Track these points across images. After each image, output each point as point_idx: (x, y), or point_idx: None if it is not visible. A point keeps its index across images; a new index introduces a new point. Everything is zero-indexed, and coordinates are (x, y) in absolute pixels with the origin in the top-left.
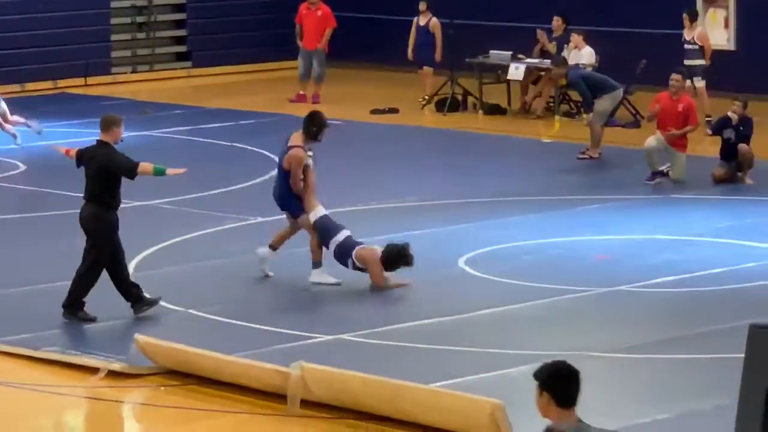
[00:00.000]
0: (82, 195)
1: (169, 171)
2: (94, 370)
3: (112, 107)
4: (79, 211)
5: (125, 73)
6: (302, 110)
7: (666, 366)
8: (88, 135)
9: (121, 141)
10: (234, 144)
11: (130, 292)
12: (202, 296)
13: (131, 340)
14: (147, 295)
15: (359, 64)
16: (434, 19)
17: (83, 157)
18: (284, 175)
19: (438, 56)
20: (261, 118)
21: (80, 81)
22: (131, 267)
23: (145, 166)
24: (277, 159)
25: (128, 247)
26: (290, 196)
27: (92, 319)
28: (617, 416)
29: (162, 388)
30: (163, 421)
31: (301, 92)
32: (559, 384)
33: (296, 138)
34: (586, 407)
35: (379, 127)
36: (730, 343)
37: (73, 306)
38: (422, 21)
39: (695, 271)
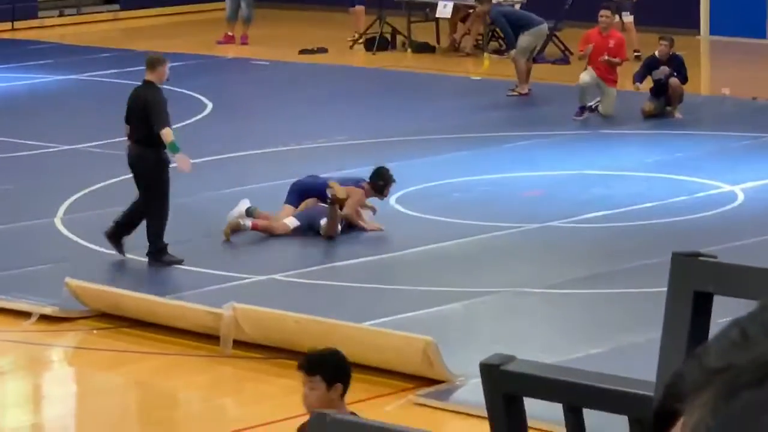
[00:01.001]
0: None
1: (178, 156)
2: (26, 315)
3: (40, 51)
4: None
5: (52, 17)
6: (230, 51)
7: (598, 301)
8: (15, 80)
9: (167, 80)
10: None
11: (120, 233)
12: (133, 239)
13: (62, 283)
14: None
15: (287, 5)
16: None
17: (130, 98)
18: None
19: None
20: (189, 60)
21: (7, 26)
22: (61, 210)
23: (168, 132)
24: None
25: (58, 190)
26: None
27: (179, 261)
28: (551, 352)
29: (94, 331)
30: (96, 364)
31: (229, 33)
32: (348, 373)
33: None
34: (520, 344)
35: (308, 67)
36: (661, 276)
37: (157, 252)
38: None
39: (625, 206)
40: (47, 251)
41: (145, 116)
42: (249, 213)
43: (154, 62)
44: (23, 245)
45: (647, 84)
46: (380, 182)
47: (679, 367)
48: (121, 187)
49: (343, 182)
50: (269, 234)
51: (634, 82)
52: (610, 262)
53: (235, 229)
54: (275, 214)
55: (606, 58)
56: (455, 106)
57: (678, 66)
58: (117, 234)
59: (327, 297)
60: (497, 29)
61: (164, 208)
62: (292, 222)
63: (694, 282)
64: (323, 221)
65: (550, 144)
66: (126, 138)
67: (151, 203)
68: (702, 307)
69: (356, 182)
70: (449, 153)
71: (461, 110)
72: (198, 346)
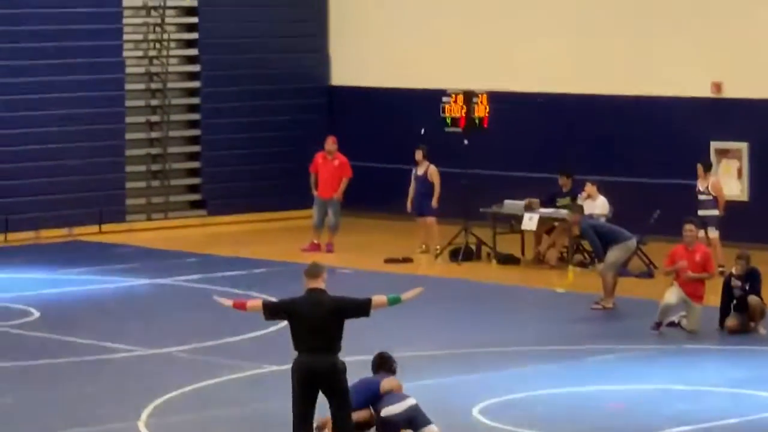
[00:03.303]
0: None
1: (405, 296)
2: None
3: (127, 255)
4: (295, 363)
5: (140, 221)
6: (316, 259)
7: None
8: (102, 283)
9: None
10: (248, 293)
11: None
12: None
13: None
14: None
15: (373, 214)
16: (432, 167)
17: (292, 307)
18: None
19: (435, 203)
20: (274, 266)
21: (95, 229)
22: (144, 414)
23: (378, 299)
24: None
25: (143, 394)
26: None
27: None
28: None
29: None
30: None
31: (315, 241)
32: None
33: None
34: None
35: (393, 277)
36: None
37: None
38: (420, 170)
39: (710, 422)
40: None
41: (332, 323)
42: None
43: (320, 270)
44: None
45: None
46: (390, 366)
47: None
48: (207, 391)
49: (359, 391)
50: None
51: (720, 326)
52: None
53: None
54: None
55: (690, 274)
56: (539, 319)
57: (753, 280)
58: None
59: None
60: (582, 242)
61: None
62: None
63: None
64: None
65: (633, 358)
66: (305, 351)
67: (346, 411)
68: None
69: (372, 383)
70: (533, 365)
71: (545, 322)
72: None
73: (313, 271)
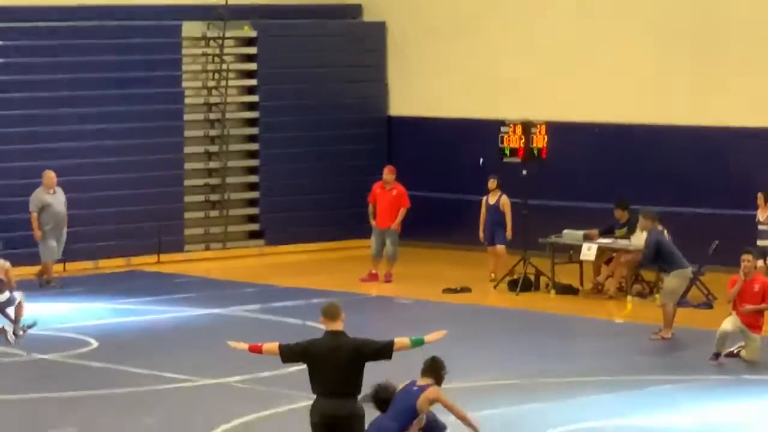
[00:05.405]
0: (315, 390)
1: (428, 338)
2: None
3: (185, 285)
4: (314, 407)
5: (198, 251)
6: (373, 289)
7: None
8: (160, 313)
9: None
10: (306, 323)
11: None
12: None
13: None
14: None
15: (432, 243)
16: (504, 197)
17: (309, 350)
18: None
19: (509, 234)
20: (332, 296)
21: (153, 258)
22: None
23: (400, 341)
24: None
25: (201, 425)
26: None
27: None
28: None
29: None
30: None
31: (373, 271)
32: None
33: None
34: None
35: (452, 307)
36: None
37: None
38: (492, 199)
39: None
40: None
41: (353, 366)
42: None
43: (338, 311)
44: None
45: None
46: (443, 371)
47: None
48: (264, 422)
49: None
50: None
51: None
52: None
53: None
54: None
55: (748, 308)
56: (598, 349)
57: None
58: None
59: None
60: (640, 272)
61: None
62: None
63: None
64: None
65: (692, 388)
66: (323, 396)
67: None
68: None
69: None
70: (591, 395)
71: (603, 353)
72: None
73: (331, 312)
